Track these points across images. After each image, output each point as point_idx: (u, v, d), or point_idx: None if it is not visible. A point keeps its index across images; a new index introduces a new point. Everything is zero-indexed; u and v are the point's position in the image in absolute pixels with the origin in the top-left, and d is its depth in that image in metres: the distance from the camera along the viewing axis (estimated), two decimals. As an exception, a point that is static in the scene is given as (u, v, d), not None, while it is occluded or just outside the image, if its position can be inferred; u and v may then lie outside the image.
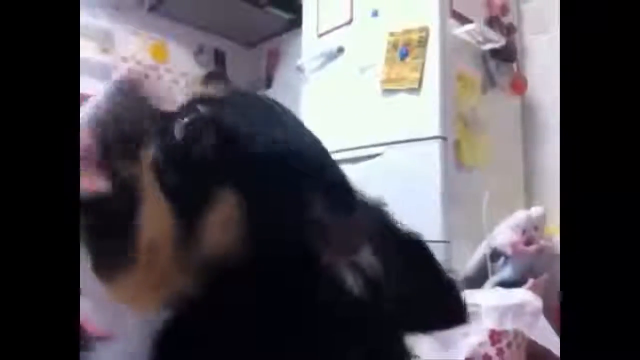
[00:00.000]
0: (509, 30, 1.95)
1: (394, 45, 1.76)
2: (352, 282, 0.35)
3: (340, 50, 1.97)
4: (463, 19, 1.75)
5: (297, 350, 0.36)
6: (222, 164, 0.38)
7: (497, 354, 1.21)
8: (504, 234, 1.56)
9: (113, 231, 0.38)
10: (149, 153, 0.39)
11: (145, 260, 0.37)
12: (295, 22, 2.59)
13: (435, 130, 1.62)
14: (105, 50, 2.55)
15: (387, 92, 1.76)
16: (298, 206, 0.38)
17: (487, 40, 1.79)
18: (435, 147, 1.61)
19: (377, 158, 1.74)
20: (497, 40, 1.80)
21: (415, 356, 0.40)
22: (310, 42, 2.16)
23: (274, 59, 3.17)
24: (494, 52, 1.85)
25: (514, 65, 1.99)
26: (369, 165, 1.72)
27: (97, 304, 0.40)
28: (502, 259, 1.54)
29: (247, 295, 0.36)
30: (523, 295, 1.31)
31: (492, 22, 1.88)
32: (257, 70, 3.25)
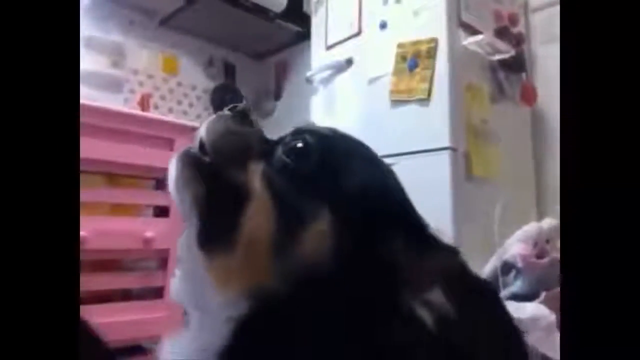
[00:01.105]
0: (518, 41, 1.94)
1: (402, 57, 1.76)
2: (425, 317, 0.38)
3: (349, 62, 1.98)
4: (472, 30, 1.75)
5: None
6: (322, 187, 0.44)
7: (510, 370, 1.19)
8: (515, 247, 1.53)
9: (221, 219, 0.44)
10: (259, 166, 0.47)
11: (243, 248, 0.42)
12: (304, 35, 2.61)
13: (445, 142, 1.62)
14: (115, 64, 2.58)
15: (397, 103, 1.76)
16: (382, 239, 0.42)
17: (497, 51, 1.78)
18: (445, 158, 1.61)
19: (387, 169, 1.73)
20: (507, 51, 1.80)
21: None
22: (319, 54, 2.17)
23: (283, 71, 3.19)
24: (504, 63, 1.84)
25: (524, 75, 1.98)
26: (378, 176, 1.72)
27: (191, 280, 0.46)
28: (513, 272, 1.52)
29: (327, 305, 0.40)
30: (536, 309, 1.29)
31: (502, 32, 1.88)
32: (266, 82, 3.27)
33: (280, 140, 0.49)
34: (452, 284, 0.39)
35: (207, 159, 0.48)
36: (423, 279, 0.40)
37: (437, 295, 0.39)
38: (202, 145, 0.48)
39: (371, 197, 0.44)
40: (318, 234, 0.41)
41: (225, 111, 0.51)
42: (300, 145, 0.46)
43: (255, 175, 0.46)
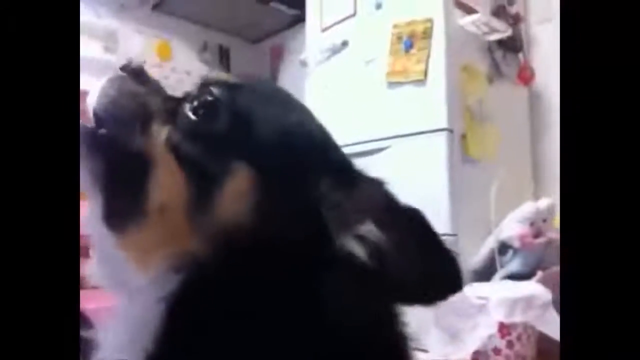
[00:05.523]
0: (515, 20, 1.92)
1: (398, 37, 1.75)
2: (358, 251, 0.38)
3: (345, 43, 1.96)
4: (468, 9, 1.73)
5: (302, 312, 0.38)
6: (236, 141, 0.41)
7: (507, 347, 1.20)
8: (512, 227, 1.54)
9: (126, 192, 0.42)
10: (164, 129, 0.43)
11: (156, 218, 0.40)
12: (299, 18, 2.58)
13: (442, 123, 1.61)
14: (108, 49, 2.55)
15: (393, 84, 1.75)
16: (305, 183, 0.40)
17: (493, 31, 1.76)
18: (441, 139, 1.60)
19: (384, 151, 1.73)
20: (503, 31, 1.78)
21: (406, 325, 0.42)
22: (314, 36, 2.15)
23: (278, 54, 3.16)
24: (500, 43, 1.83)
25: (521, 55, 1.96)
26: (375, 159, 1.71)
27: (106, 261, 0.43)
28: (510, 252, 1.53)
29: (260, 263, 0.38)
30: (532, 287, 1.30)
31: (498, 11, 1.86)
32: (261, 66, 3.24)
33: (186, 96, 0.45)
34: (381, 215, 0.39)
35: (102, 130, 0.44)
36: (353, 214, 0.39)
37: (368, 228, 0.38)
38: (95, 114, 0.44)
39: (290, 143, 0.42)
40: (236, 191, 0.39)
41: (118, 72, 0.46)
42: (208, 99, 0.43)
43: (158, 139, 0.42)
